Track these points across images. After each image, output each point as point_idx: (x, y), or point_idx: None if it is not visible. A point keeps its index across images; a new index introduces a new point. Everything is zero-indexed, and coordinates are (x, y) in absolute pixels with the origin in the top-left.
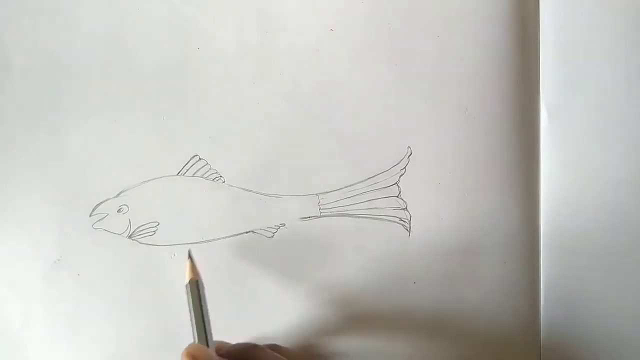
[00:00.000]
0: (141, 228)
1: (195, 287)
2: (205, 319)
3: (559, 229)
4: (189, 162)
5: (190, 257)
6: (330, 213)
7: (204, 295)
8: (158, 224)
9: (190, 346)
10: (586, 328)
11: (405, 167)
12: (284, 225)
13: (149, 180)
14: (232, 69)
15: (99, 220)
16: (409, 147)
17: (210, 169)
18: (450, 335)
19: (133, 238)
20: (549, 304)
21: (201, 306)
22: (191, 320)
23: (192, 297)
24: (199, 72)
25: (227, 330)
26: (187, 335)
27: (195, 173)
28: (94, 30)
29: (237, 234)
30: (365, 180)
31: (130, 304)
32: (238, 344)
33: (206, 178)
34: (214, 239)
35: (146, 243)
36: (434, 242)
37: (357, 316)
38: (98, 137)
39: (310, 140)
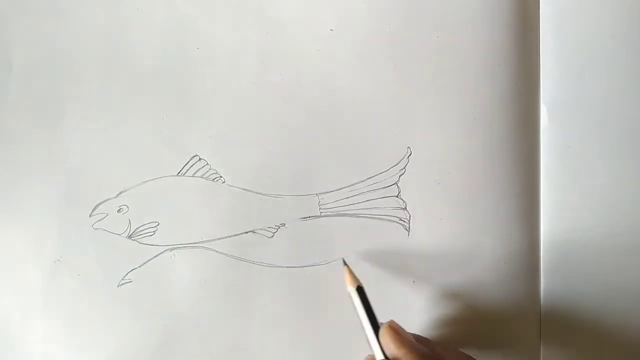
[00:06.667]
0: (141, 228)
1: (363, 292)
2: (375, 321)
3: (559, 229)
4: (189, 162)
5: (345, 264)
6: (330, 213)
7: (367, 298)
8: (158, 224)
9: (391, 320)
10: (586, 329)
11: (405, 167)
12: (284, 225)
13: (149, 180)
14: (232, 69)
15: (99, 220)
16: (408, 147)
17: (210, 169)
18: (450, 335)
19: (133, 238)
20: (549, 304)
21: (370, 309)
22: (363, 324)
23: (362, 302)
24: (199, 72)
25: (228, 330)
26: (187, 336)
27: (195, 173)
28: (94, 30)
29: (237, 234)
30: (365, 180)
31: (130, 304)
32: (418, 337)
33: (206, 178)
34: (214, 239)
35: (146, 243)
36: (434, 242)
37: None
38: (98, 137)
39: (310, 140)
